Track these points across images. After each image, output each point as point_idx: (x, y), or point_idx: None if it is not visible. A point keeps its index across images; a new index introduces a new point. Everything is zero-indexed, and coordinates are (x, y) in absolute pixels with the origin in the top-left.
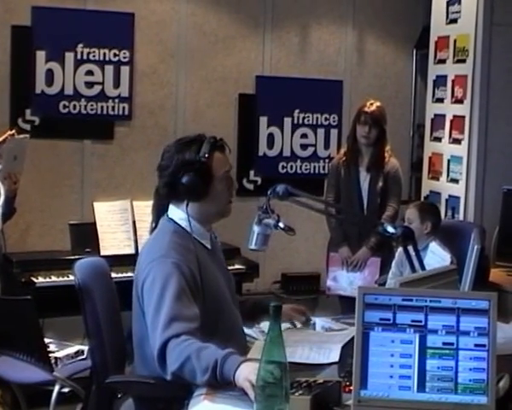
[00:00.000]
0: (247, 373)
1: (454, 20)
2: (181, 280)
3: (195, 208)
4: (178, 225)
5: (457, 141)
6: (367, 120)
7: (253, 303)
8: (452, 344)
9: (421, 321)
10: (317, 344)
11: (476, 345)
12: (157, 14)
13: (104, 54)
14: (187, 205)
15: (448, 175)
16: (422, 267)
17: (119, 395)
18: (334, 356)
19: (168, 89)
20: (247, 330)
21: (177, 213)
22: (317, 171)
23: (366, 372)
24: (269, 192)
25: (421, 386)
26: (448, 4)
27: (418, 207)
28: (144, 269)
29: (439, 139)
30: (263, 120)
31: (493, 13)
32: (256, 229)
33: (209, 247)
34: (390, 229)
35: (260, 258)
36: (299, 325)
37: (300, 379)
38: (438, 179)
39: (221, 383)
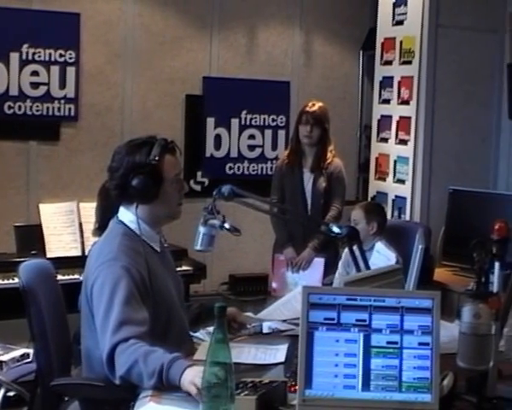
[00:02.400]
0: (192, 377)
1: (400, 22)
2: (130, 284)
3: (145, 211)
4: (128, 227)
5: (404, 142)
6: (309, 120)
7: (198, 307)
8: (396, 343)
9: (365, 320)
10: (264, 345)
11: (420, 344)
12: (103, 15)
13: (50, 54)
14: (137, 207)
15: (394, 176)
16: (367, 267)
17: (67, 398)
18: (281, 356)
19: (115, 90)
20: (194, 333)
21: (127, 215)
22: (264, 172)
23: (311, 372)
24: (214, 193)
25: (366, 385)
26: (394, 6)
27: (364, 207)
28: (94, 272)
29: (385, 140)
30: (210, 121)
31: (439, 15)
32: (202, 230)
33: (158, 250)
34: (335, 229)
35: (208, 259)
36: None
37: (246, 379)
38: (384, 180)
39: (167, 387)
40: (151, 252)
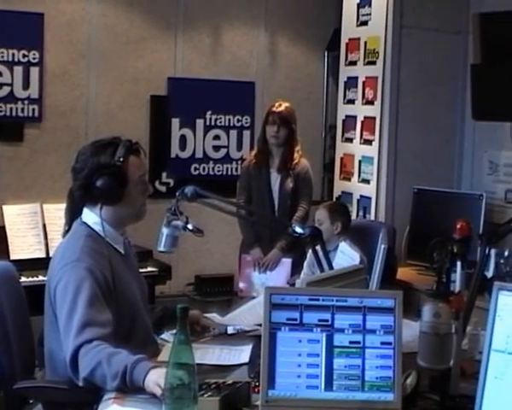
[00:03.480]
0: (156, 378)
1: (364, 23)
2: (94, 285)
3: (109, 212)
4: (92, 228)
5: (368, 142)
6: (275, 120)
7: (162, 309)
8: (359, 343)
9: (327, 320)
10: (228, 345)
11: (382, 343)
12: (67, 15)
13: (13, 54)
14: (101, 208)
15: (359, 176)
16: (331, 267)
17: (31, 401)
18: (245, 357)
19: (79, 90)
20: (160, 335)
21: (90, 216)
22: (229, 172)
23: (274, 372)
24: (177, 194)
25: (329, 385)
26: (359, 7)
27: (328, 207)
28: (57, 273)
29: (350, 140)
30: (175, 122)
31: (403, 15)
32: (165, 231)
33: (122, 252)
34: (298, 229)
35: (173, 260)
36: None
37: (210, 381)
38: (349, 180)
39: (131, 389)
40: (115, 254)
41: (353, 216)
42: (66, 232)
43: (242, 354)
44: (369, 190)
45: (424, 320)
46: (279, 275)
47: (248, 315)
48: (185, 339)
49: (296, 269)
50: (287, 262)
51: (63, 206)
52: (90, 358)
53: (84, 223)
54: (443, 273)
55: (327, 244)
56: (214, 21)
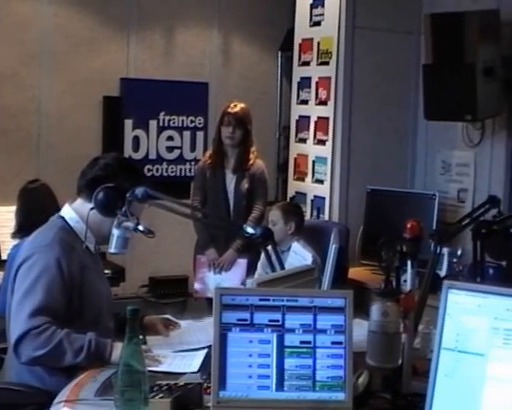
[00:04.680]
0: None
1: (317, 23)
2: (57, 275)
3: (95, 218)
4: (67, 223)
5: (322, 142)
6: (231, 121)
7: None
8: (310, 343)
9: (278, 320)
10: (182, 353)
11: (333, 343)
12: (18, 15)
13: None
14: (91, 208)
15: (313, 176)
16: (282, 267)
17: None
18: (196, 364)
19: (31, 92)
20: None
21: (69, 212)
22: (183, 173)
23: (225, 373)
24: (128, 195)
25: (280, 385)
26: (311, 7)
27: (281, 208)
28: (25, 253)
29: (303, 140)
30: (128, 123)
31: (355, 16)
32: (115, 232)
33: (93, 251)
34: (250, 230)
35: (127, 262)
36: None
37: (161, 382)
38: (303, 180)
39: (94, 360)
40: (86, 252)
41: (307, 216)
42: (16, 233)
43: (195, 360)
44: (323, 190)
45: (372, 319)
46: (234, 276)
47: (199, 333)
48: (135, 339)
49: (252, 270)
50: (242, 263)
51: (14, 208)
52: (47, 338)
53: (62, 217)
54: (391, 272)
55: (280, 244)
56: (167, 22)
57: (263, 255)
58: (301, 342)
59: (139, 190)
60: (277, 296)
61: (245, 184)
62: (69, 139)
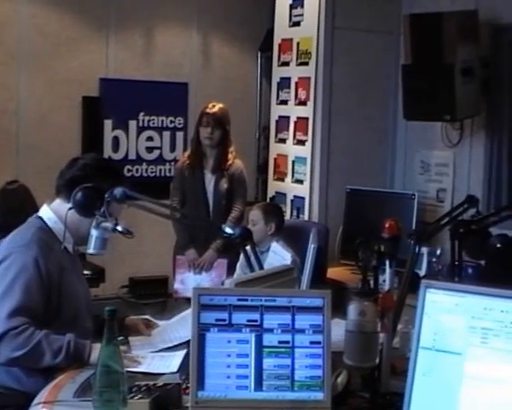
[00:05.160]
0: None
1: (297, 23)
2: (35, 275)
3: (74, 218)
4: (45, 223)
5: (301, 142)
6: (209, 122)
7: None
8: (288, 342)
9: (256, 320)
10: (162, 351)
11: (312, 342)
12: None
13: None
14: (70, 208)
15: (293, 176)
16: (261, 267)
17: None
18: (175, 364)
19: (9, 92)
20: None
21: (47, 212)
22: (163, 174)
23: (203, 373)
24: (106, 195)
25: (259, 385)
26: (291, 7)
27: (262, 208)
28: (3, 253)
29: (283, 141)
30: (107, 123)
31: (335, 16)
32: (94, 233)
33: (71, 252)
34: (228, 230)
35: (107, 262)
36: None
37: (140, 383)
38: (283, 180)
39: (73, 361)
40: (64, 252)
41: (287, 216)
42: None
43: (174, 360)
44: (303, 190)
45: (350, 319)
46: (214, 276)
47: (180, 327)
48: (113, 340)
49: (232, 270)
50: (222, 263)
51: None
52: (26, 338)
53: (40, 217)
54: (368, 272)
55: (260, 245)
56: (146, 22)
57: (242, 256)
58: (280, 342)
59: (118, 191)
60: (255, 296)
61: (224, 185)
62: (48, 140)
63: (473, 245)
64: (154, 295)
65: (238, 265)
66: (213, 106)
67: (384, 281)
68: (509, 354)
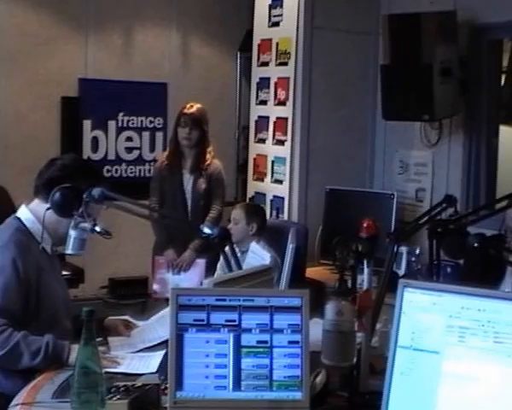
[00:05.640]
0: None
1: (276, 24)
2: (13, 276)
3: (52, 219)
4: (23, 224)
5: (281, 142)
6: (187, 122)
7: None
8: (266, 342)
9: (235, 320)
10: (142, 351)
11: (290, 342)
12: None
13: None
14: (48, 208)
15: (272, 176)
16: (239, 267)
17: None
18: (154, 364)
19: None
20: None
21: (25, 213)
22: (142, 174)
23: (181, 374)
24: (84, 196)
25: (237, 385)
26: (270, 8)
27: (245, 207)
28: None
29: (263, 141)
30: (86, 124)
31: (314, 16)
32: (72, 233)
33: (50, 252)
34: (207, 230)
35: (87, 263)
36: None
37: (119, 384)
38: (262, 180)
39: (51, 362)
40: (42, 252)
41: (267, 216)
42: None
43: (153, 360)
44: (282, 190)
45: (327, 318)
46: (193, 276)
47: (158, 327)
48: (91, 341)
49: (211, 270)
50: (201, 263)
51: None
52: (4, 340)
53: (18, 218)
54: (345, 271)
55: (241, 244)
56: (126, 22)
57: (222, 256)
58: (258, 342)
59: (96, 191)
60: (234, 296)
61: (202, 185)
62: (27, 140)
63: (450, 245)
64: (134, 295)
65: (219, 265)
66: (191, 106)
67: (363, 280)
68: (485, 352)
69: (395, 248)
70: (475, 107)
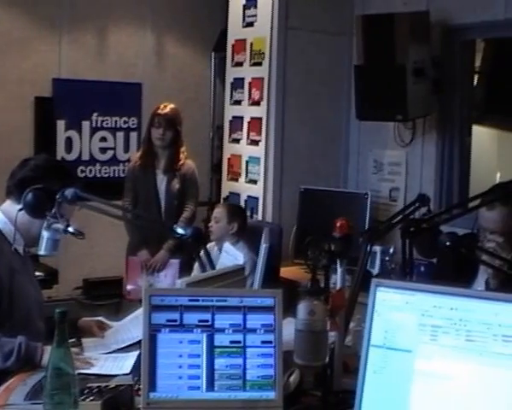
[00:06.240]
0: None
1: (250, 24)
2: None
3: (24, 219)
4: None
5: (255, 142)
6: (161, 123)
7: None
8: (240, 342)
9: (208, 321)
10: (115, 352)
11: (263, 342)
12: None
13: None
14: (20, 209)
15: (246, 176)
16: (213, 267)
17: None
18: (128, 366)
19: None
20: None
21: None
22: (116, 174)
23: (155, 374)
24: (57, 196)
25: (210, 385)
26: (244, 8)
27: (227, 207)
28: None
29: (237, 141)
30: (60, 124)
31: (288, 17)
32: (45, 234)
33: (22, 253)
34: (180, 230)
35: (60, 264)
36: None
37: (92, 385)
38: (237, 180)
39: (24, 364)
40: (15, 254)
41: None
42: None
43: (127, 362)
44: (257, 190)
45: (299, 318)
46: (167, 276)
47: (132, 327)
48: (64, 342)
49: (185, 270)
50: (175, 263)
51: None
52: None
53: None
54: (318, 271)
55: (220, 243)
56: (100, 22)
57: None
58: (231, 342)
59: (69, 192)
60: (207, 297)
61: (176, 185)
62: (0, 141)
63: (423, 244)
64: (109, 296)
65: (195, 266)
66: (165, 106)
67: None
68: (458, 350)
69: (368, 248)
70: (448, 106)
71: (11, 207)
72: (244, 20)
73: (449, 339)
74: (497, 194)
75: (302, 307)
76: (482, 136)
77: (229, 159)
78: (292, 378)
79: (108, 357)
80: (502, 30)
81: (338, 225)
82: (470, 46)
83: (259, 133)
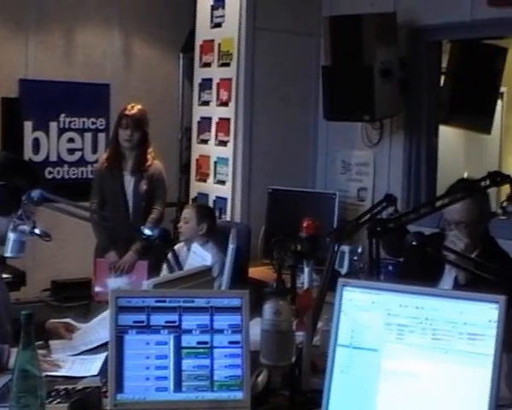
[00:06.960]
0: None
1: (218, 25)
2: None
3: None
4: None
5: (223, 143)
6: (128, 124)
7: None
8: (207, 343)
9: (175, 322)
10: (83, 354)
11: (230, 342)
12: None
13: None
14: None
15: (215, 177)
16: (180, 268)
17: None
18: (96, 367)
19: None
20: None
21: None
22: (85, 175)
23: (122, 376)
24: (23, 198)
25: (178, 386)
26: (212, 8)
27: (196, 207)
28: None
29: (205, 141)
30: (27, 125)
31: (256, 17)
32: (11, 236)
33: None
34: (147, 231)
35: (28, 266)
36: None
37: (59, 387)
38: (205, 181)
39: None
40: None
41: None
42: None
43: (94, 363)
44: (225, 190)
45: (265, 318)
46: (135, 278)
47: (100, 328)
48: (30, 345)
49: (153, 271)
50: (143, 264)
51: None
52: None
53: None
54: (283, 271)
55: (189, 243)
56: (67, 22)
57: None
58: (198, 343)
59: (35, 193)
60: (174, 298)
61: (143, 186)
62: None
63: (389, 243)
64: (77, 298)
65: (163, 267)
66: (132, 107)
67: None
68: (423, 349)
69: (336, 248)
70: (415, 107)
71: None
72: (212, 20)
73: (415, 338)
74: (461, 187)
75: (268, 308)
76: (449, 136)
77: (197, 160)
78: (260, 378)
79: (76, 359)
80: (468, 31)
81: (304, 225)
82: (437, 47)
83: (228, 134)
